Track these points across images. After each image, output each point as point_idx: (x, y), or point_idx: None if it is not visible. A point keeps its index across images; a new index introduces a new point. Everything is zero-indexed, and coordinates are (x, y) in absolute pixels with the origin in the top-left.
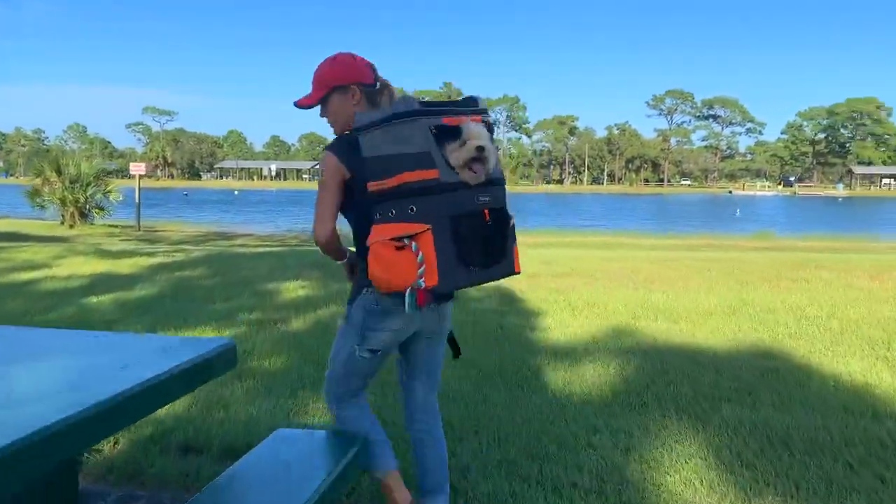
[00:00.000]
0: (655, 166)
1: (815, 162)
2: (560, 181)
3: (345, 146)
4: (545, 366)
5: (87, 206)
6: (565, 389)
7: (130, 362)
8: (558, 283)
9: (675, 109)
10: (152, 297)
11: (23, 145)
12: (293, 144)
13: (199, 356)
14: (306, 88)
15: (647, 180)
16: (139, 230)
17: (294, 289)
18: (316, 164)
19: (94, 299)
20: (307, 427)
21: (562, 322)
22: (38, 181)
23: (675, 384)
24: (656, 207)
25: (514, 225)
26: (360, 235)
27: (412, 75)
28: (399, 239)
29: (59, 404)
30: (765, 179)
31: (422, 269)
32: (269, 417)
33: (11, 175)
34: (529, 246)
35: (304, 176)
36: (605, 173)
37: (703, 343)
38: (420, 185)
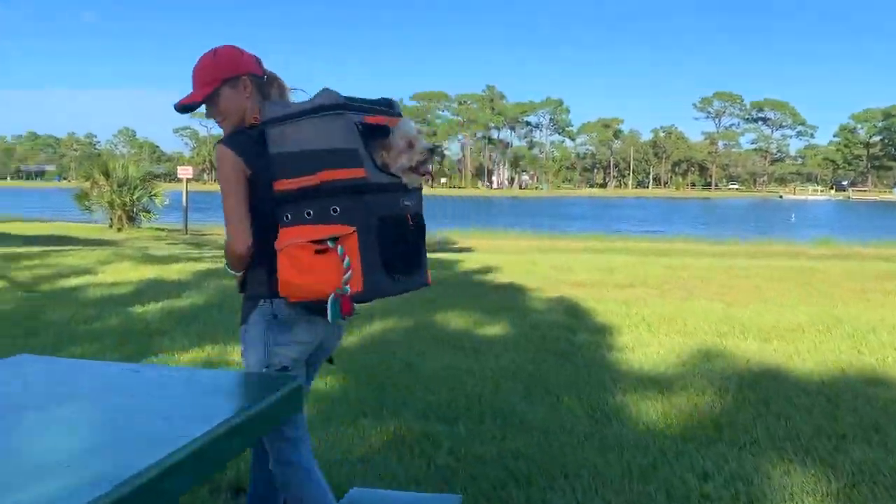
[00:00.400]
0: (702, 170)
1: (869, 165)
2: (603, 185)
3: (245, 141)
4: (630, 391)
5: (135, 210)
6: (659, 421)
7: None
8: (624, 295)
9: (724, 112)
10: (199, 307)
11: (75, 149)
12: None
13: (269, 399)
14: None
15: (693, 184)
16: (186, 233)
17: None
18: None
19: (139, 308)
20: (380, 483)
21: (639, 340)
22: (86, 184)
23: (785, 417)
24: (706, 212)
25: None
26: (259, 240)
27: (452, 77)
28: (321, 241)
29: (152, 449)
30: (816, 183)
31: (348, 274)
32: (329, 449)
33: (64, 179)
34: (578, 251)
35: None
36: (651, 177)
37: (804, 367)
38: (345, 184)
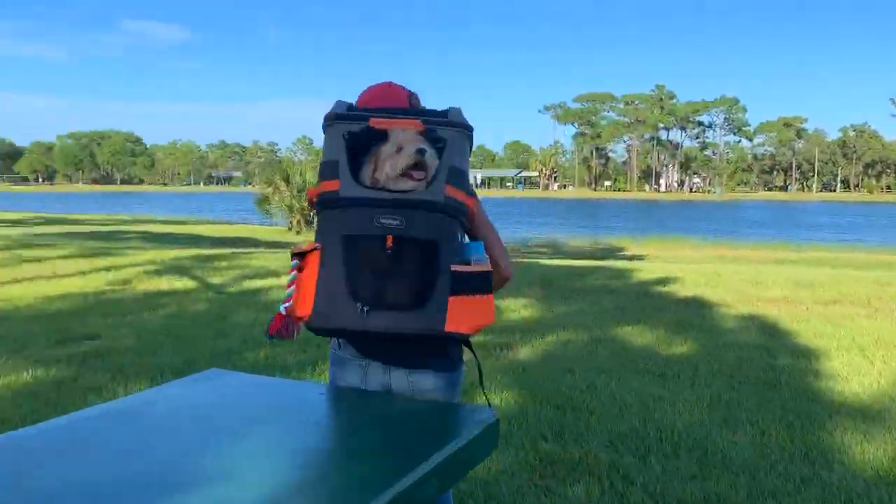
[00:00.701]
0: None
1: None
2: (784, 188)
3: None
4: (849, 428)
5: (311, 214)
6: (892, 468)
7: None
8: (828, 312)
9: None
10: None
11: (259, 156)
12: (497, 153)
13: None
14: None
15: (889, 187)
16: None
17: (517, 308)
18: (520, 172)
19: None
20: None
21: (853, 366)
22: (268, 189)
23: None
24: None
25: (463, 271)
26: None
27: (620, 77)
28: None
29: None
30: None
31: (289, 290)
32: (510, 479)
33: (249, 184)
34: (764, 262)
35: (508, 184)
36: (839, 180)
37: None
38: (322, 198)
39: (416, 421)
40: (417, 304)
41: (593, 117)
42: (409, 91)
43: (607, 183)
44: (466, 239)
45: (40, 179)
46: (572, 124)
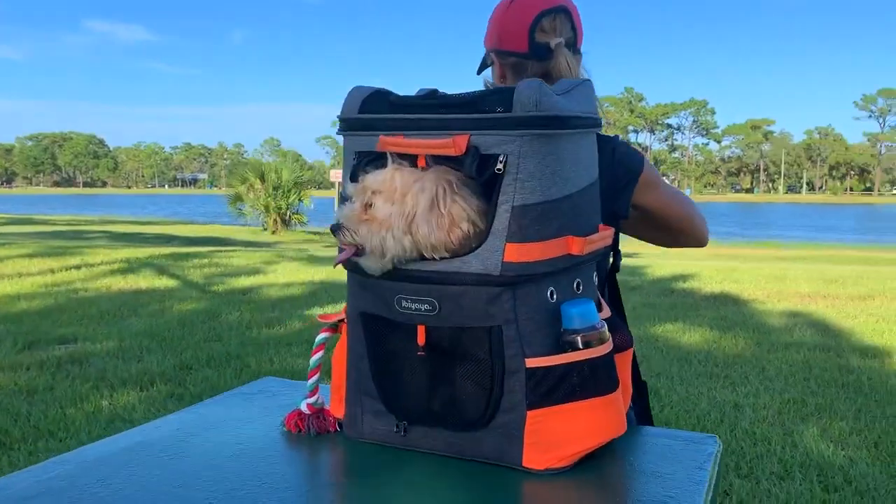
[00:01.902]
0: (863, 174)
1: None
2: (750, 190)
3: None
4: None
5: (288, 214)
6: None
7: None
8: (870, 308)
9: (889, 110)
10: None
11: (225, 158)
12: None
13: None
14: None
15: (851, 189)
16: None
17: None
18: None
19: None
20: None
21: None
22: (241, 188)
23: None
24: (877, 218)
25: (550, 366)
26: None
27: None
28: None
29: None
30: None
31: (312, 380)
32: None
33: (215, 186)
34: (769, 259)
35: None
36: (804, 182)
37: None
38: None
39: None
40: (477, 424)
41: None
42: (547, 10)
43: None
44: (555, 295)
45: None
46: None
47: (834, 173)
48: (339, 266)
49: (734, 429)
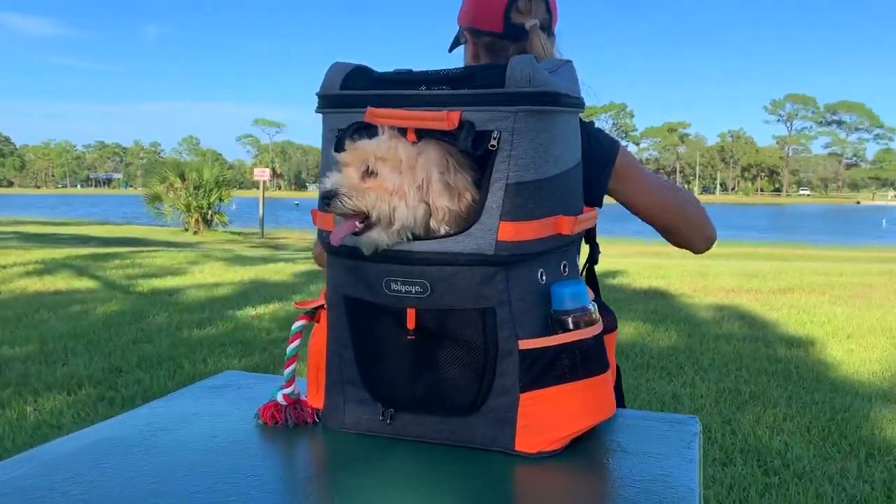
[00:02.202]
0: (772, 175)
1: None
2: None
3: None
4: (887, 422)
5: (210, 213)
6: None
7: None
8: (791, 301)
9: (796, 115)
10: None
11: (141, 157)
12: None
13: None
14: None
15: (761, 189)
16: (262, 237)
17: None
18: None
19: (250, 311)
20: None
21: (853, 354)
22: (160, 187)
23: None
24: (787, 218)
25: (543, 347)
26: None
27: None
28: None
29: None
30: (893, 188)
31: (289, 369)
32: None
33: (131, 186)
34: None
35: None
36: (718, 183)
37: None
38: (318, 228)
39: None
40: (468, 409)
41: None
42: None
43: None
44: (544, 276)
45: None
46: None
47: (746, 174)
48: (318, 252)
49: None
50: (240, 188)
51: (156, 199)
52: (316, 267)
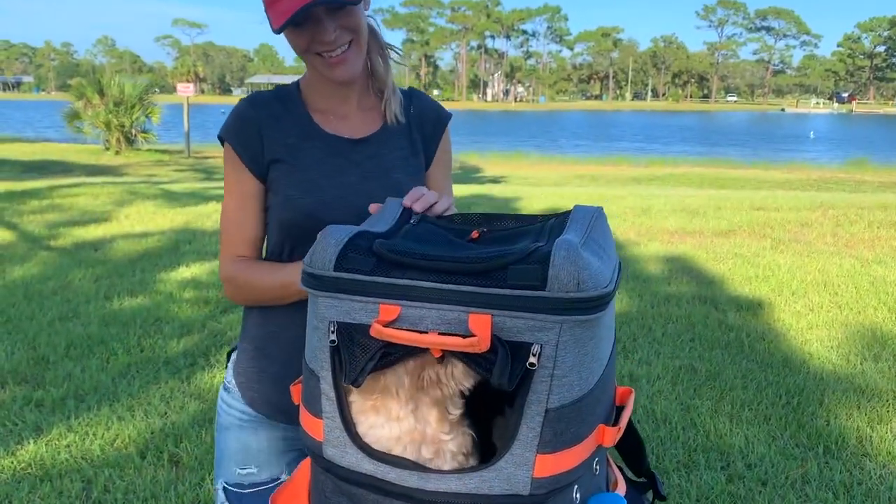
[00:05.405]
0: (701, 81)
1: (871, 77)
2: (599, 97)
3: None
4: (852, 406)
5: (133, 131)
6: None
7: None
8: (734, 248)
9: (727, 21)
10: None
11: (53, 59)
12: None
13: None
14: None
15: (690, 96)
16: (189, 156)
17: None
18: None
19: (183, 271)
20: None
21: (803, 319)
22: (78, 104)
23: None
24: (715, 127)
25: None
26: None
27: None
28: None
29: None
30: (816, 96)
31: None
32: None
33: (43, 90)
34: (625, 181)
35: None
36: (649, 88)
37: None
38: None
39: None
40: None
41: (422, 23)
42: None
43: (436, 92)
44: (578, 493)
45: None
46: (401, 29)
47: (676, 81)
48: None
49: (636, 408)
50: (161, 92)
51: (75, 116)
52: None
